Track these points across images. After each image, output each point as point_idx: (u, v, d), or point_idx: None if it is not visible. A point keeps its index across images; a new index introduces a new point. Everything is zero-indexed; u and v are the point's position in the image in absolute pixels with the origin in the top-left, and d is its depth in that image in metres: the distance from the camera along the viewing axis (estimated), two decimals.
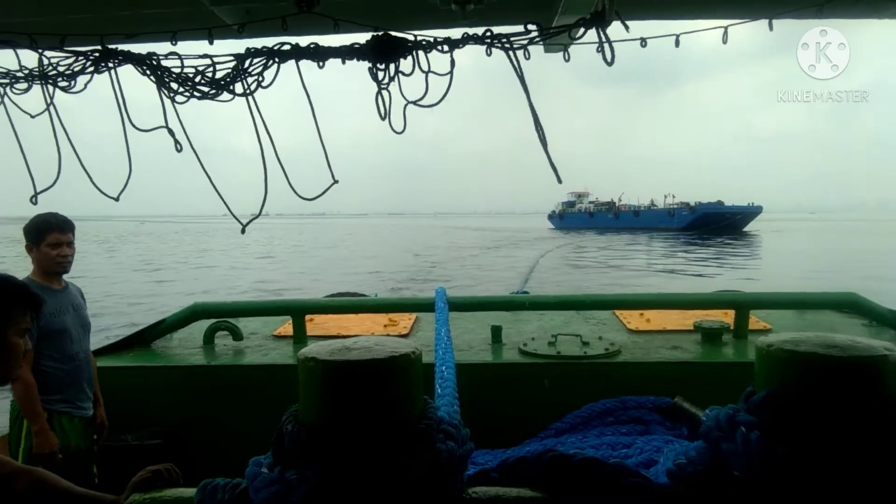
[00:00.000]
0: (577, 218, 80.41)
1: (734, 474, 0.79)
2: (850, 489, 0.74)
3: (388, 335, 3.38)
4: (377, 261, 29.69)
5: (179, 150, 2.38)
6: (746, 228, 59.01)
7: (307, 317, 3.54)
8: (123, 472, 2.95)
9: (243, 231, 2.55)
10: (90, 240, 50.36)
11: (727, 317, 3.46)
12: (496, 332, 3.32)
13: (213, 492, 0.86)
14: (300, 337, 3.44)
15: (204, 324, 3.53)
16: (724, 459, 0.81)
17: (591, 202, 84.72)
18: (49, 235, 2.82)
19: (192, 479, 0.95)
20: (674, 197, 70.41)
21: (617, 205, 79.49)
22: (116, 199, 2.55)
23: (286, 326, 3.65)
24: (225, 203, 2.56)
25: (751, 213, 60.69)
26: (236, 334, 3.50)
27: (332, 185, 2.47)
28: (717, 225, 55.94)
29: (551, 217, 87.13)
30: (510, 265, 27.07)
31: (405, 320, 3.86)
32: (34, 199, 2.46)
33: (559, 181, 2.27)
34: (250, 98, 2.29)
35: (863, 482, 0.74)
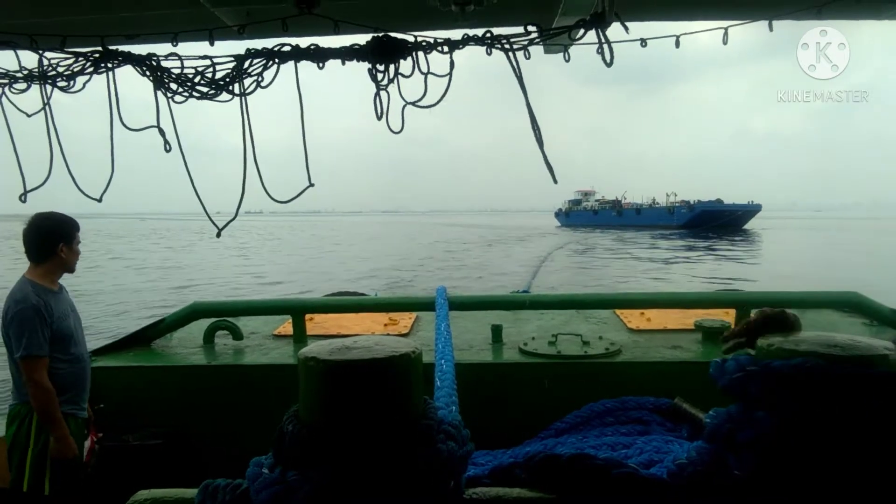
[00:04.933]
0: (583, 216, 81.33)
1: (735, 473, 0.79)
2: (852, 489, 0.75)
3: (388, 334, 3.39)
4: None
5: (168, 150, 2.39)
6: (746, 226, 59.23)
7: (307, 316, 3.54)
8: (124, 471, 2.96)
9: (219, 235, 2.57)
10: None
11: (728, 316, 3.46)
12: (496, 331, 3.32)
13: (213, 492, 0.86)
14: (300, 336, 3.44)
15: (203, 323, 3.53)
16: (724, 459, 0.81)
17: (596, 200, 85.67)
18: (78, 234, 2.90)
19: (193, 479, 0.95)
20: (675, 195, 70.91)
21: (622, 203, 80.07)
22: (99, 200, 2.56)
23: (286, 326, 3.65)
24: (203, 206, 2.58)
25: (749, 211, 60.84)
26: (236, 334, 3.50)
27: (307, 188, 2.49)
28: (715, 223, 56.05)
29: (558, 214, 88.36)
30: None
31: (405, 319, 3.86)
32: (23, 198, 2.47)
33: (555, 181, 2.28)
34: (242, 100, 2.30)
35: (864, 482, 0.75)
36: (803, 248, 37.84)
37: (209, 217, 2.58)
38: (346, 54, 2.21)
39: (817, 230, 65.01)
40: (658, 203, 73.48)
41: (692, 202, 64.48)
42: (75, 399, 2.86)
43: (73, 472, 2.80)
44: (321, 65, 2.26)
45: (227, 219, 2.59)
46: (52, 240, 2.84)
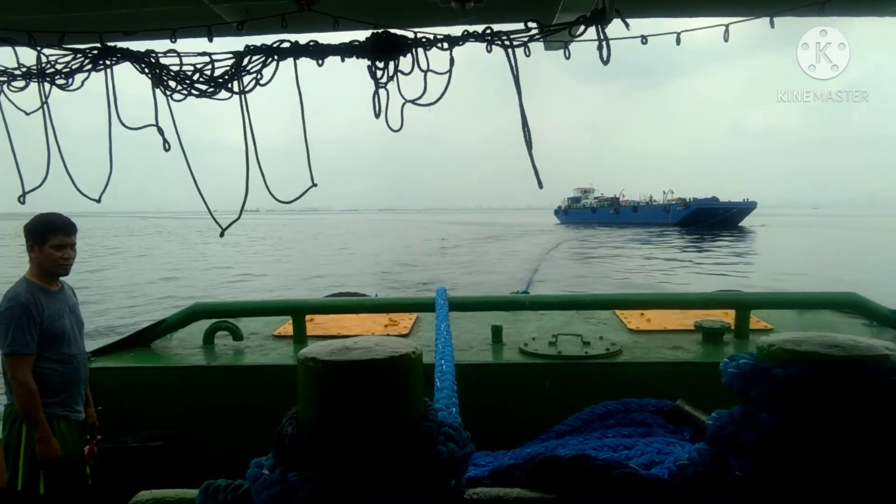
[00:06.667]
0: (581, 213, 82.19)
1: (736, 474, 0.79)
2: (853, 489, 0.75)
3: (388, 335, 3.38)
4: None
5: (168, 150, 2.37)
6: (742, 224, 59.44)
7: (307, 317, 3.53)
8: (123, 474, 2.95)
9: (222, 234, 2.55)
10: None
11: (728, 317, 3.45)
12: (497, 331, 3.31)
13: (214, 493, 0.86)
14: (300, 337, 3.43)
15: (204, 324, 3.52)
16: (726, 460, 0.81)
17: (595, 198, 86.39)
18: (54, 237, 2.80)
19: (193, 480, 0.95)
20: (672, 193, 71.29)
21: (619, 201, 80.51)
22: (98, 201, 2.54)
23: (286, 326, 3.64)
24: (207, 206, 2.58)
25: (744, 209, 60.99)
26: (236, 334, 3.49)
27: (310, 188, 2.48)
28: (710, 220, 56.18)
29: (557, 212, 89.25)
30: None
31: (405, 320, 3.85)
32: (22, 199, 2.45)
33: (540, 186, 2.28)
34: (243, 97, 2.29)
35: (865, 482, 0.74)
36: (795, 248, 37.64)
37: (213, 217, 2.56)
38: (345, 51, 2.20)
39: (812, 227, 65.01)
40: (655, 201, 73.98)
41: (688, 200, 64.80)
42: (68, 401, 2.83)
43: (69, 473, 2.79)
44: (320, 62, 2.25)
45: (226, 216, 2.58)
46: (28, 241, 2.83)
